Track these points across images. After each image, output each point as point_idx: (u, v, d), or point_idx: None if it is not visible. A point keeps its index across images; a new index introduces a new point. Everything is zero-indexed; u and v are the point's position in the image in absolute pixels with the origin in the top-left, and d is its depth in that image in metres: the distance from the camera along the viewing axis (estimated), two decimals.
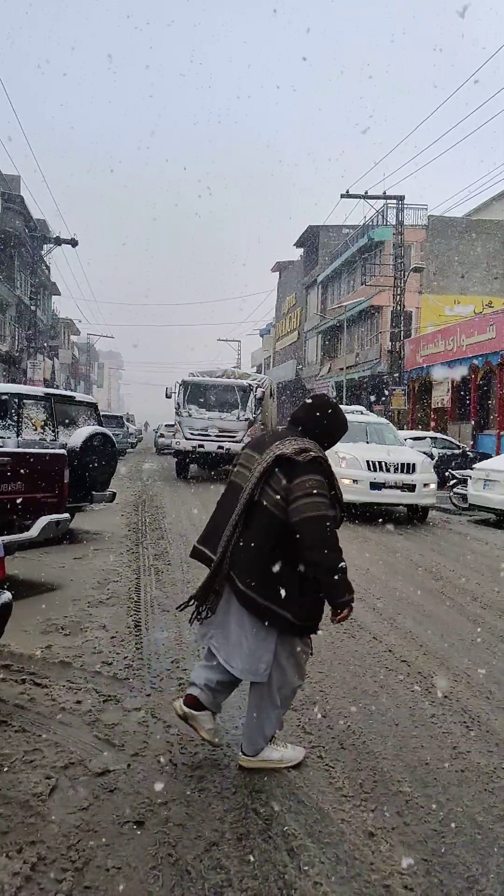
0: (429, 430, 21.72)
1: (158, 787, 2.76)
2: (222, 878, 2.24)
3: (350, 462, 10.55)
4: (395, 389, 24.86)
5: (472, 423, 21.43)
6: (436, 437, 18.07)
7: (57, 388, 34.36)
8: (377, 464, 10.61)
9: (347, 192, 24.46)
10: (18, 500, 5.71)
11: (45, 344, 39.01)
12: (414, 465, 10.81)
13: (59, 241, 31.89)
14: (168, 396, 18.52)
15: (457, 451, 17.32)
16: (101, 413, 10.42)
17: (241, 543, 2.76)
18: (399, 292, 25.13)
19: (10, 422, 7.58)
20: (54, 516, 5.98)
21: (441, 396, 24.06)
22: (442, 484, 12.90)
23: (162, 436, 30.89)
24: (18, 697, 3.55)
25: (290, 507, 2.68)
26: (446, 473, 13.81)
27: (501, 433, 19.46)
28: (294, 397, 42.80)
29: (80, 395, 9.99)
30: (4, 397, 7.66)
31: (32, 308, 32.63)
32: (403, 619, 5.44)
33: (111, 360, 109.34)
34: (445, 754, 3.18)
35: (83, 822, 2.51)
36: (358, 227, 32.24)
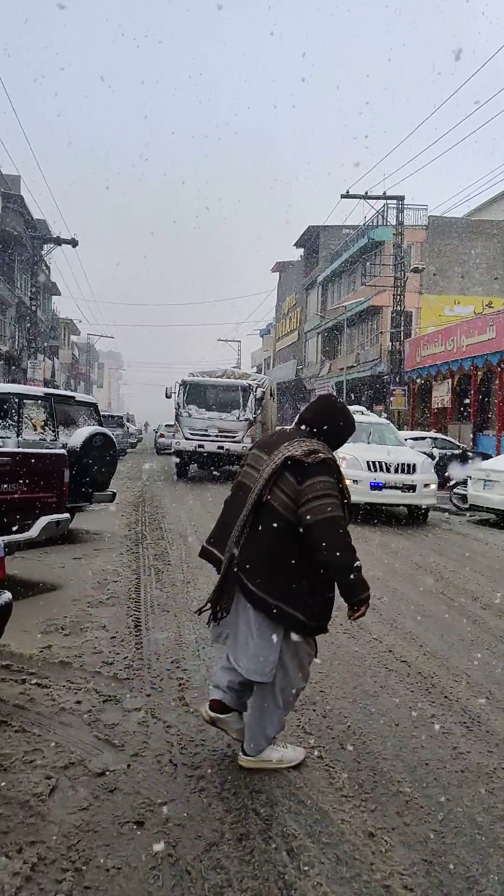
0: (429, 431, 21.73)
1: (158, 787, 2.76)
2: (222, 878, 2.24)
3: (350, 462, 10.55)
4: (395, 390, 24.87)
5: (472, 423, 21.44)
6: (436, 438, 18.07)
7: (57, 388, 34.37)
8: (377, 464, 10.61)
9: (347, 192, 24.45)
10: (18, 500, 5.72)
11: (46, 344, 39.02)
12: (414, 465, 10.80)
13: (59, 241, 31.85)
14: (168, 396, 18.52)
15: (457, 452, 17.32)
16: (102, 413, 10.42)
17: (249, 544, 2.77)
18: (399, 293, 25.13)
19: (10, 422, 7.58)
20: (54, 516, 5.98)
21: (441, 397, 24.06)
22: (442, 484, 12.90)
23: (162, 436, 30.89)
24: (18, 697, 3.55)
25: (302, 510, 2.69)
26: (446, 474, 13.81)
27: (502, 434, 19.46)
28: (294, 397, 42.82)
29: (80, 396, 9.99)
30: (4, 397, 7.66)
31: (33, 308, 32.61)
32: (404, 619, 5.44)
33: (111, 360, 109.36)
34: (445, 754, 3.18)
35: (83, 822, 2.51)
36: (358, 228, 32.26)
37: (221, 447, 16.93)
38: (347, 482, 3.04)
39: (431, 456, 14.41)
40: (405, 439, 13.66)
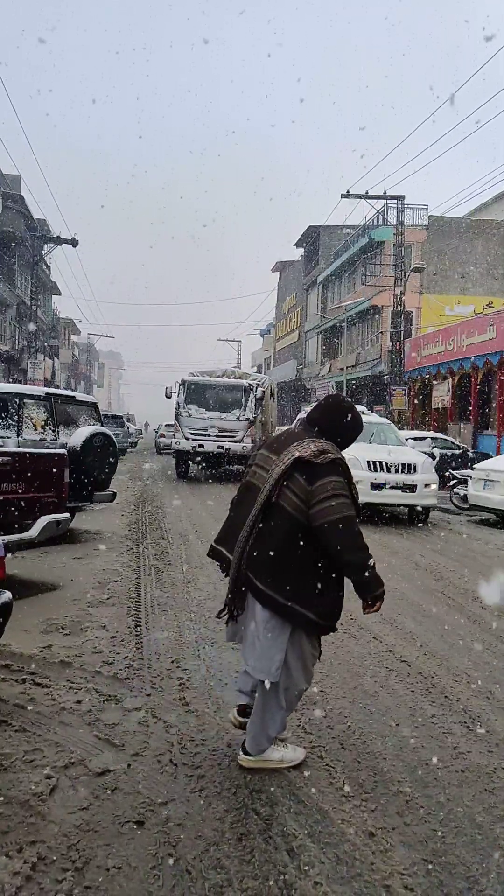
0: (428, 431, 21.73)
1: (158, 786, 2.76)
2: (222, 878, 2.24)
3: (351, 462, 10.42)
4: (395, 390, 24.86)
5: (472, 423, 21.44)
6: (436, 438, 18.07)
7: (57, 387, 34.36)
8: (378, 464, 10.61)
9: (348, 192, 24.44)
10: (19, 500, 5.72)
11: (46, 344, 39.01)
12: (415, 465, 10.80)
13: (59, 241, 31.86)
14: (168, 396, 18.51)
15: (457, 452, 17.32)
16: (102, 413, 10.42)
17: (259, 544, 2.78)
18: (399, 292, 25.13)
19: (10, 422, 7.58)
20: (54, 516, 5.98)
21: (441, 397, 24.05)
22: (442, 484, 12.90)
23: (162, 436, 30.88)
24: (18, 697, 3.55)
25: (314, 510, 2.70)
26: (446, 474, 13.81)
27: (502, 434, 19.46)
28: (294, 398, 42.81)
29: (80, 395, 9.98)
30: (5, 397, 7.66)
31: (33, 308, 32.62)
32: (404, 619, 5.44)
33: (111, 360, 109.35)
34: (446, 754, 3.18)
35: (83, 821, 2.51)
36: (358, 228, 32.24)
37: (221, 447, 16.93)
38: None
39: (432, 456, 14.42)
40: (406, 439, 13.66)
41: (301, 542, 2.75)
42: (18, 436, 7.54)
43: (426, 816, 2.67)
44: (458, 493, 12.90)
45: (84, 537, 8.53)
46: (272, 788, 2.79)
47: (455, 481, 13.15)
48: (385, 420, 13.86)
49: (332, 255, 37.43)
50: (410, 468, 10.74)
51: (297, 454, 2.77)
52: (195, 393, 17.89)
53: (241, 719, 3.06)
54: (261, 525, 2.79)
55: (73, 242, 30.91)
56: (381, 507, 11.54)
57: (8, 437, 7.41)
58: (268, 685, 2.82)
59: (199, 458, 18.10)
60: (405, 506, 11.31)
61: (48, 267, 40.63)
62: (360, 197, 24.66)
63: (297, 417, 14.30)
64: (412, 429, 23.92)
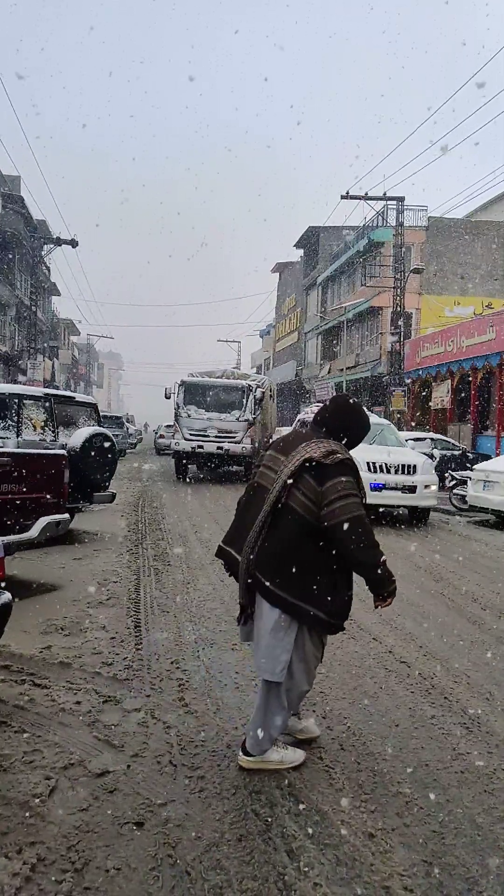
0: (428, 431, 21.73)
1: (158, 787, 2.76)
2: (222, 879, 2.24)
3: None
4: (395, 390, 24.85)
5: (472, 424, 21.44)
6: (435, 439, 18.07)
7: (57, 388, 34.36)
8: (378, 465, 10.60)
9: (348, 193, 24.42)
10: (18, 501, 5.71)
11: (46, 344, 39.01)
12: (414, 466, 10.80)
13: (59, 242, 31.87)
14: (167, 397, 18.49)
15: (457, 453, 17.33)
16: (101, 413, 10.42)
17: (268, 544, 2.79)
18: (399, 293, 25.13)
19: (9, 422, 7.58)
20: (54, 516, 5.98)
21: (441, 397, 24.06)
22: (442, 485, 12.90)
23: (161, 436, 30.90)
24: (18, 698, 3.55)
25: (325, 511, 2.72)
26: (446, 475, 13.81)
27: (501, 435, 19.47)
28: (294, 398, 42.82)
29: (80, 396, 9.98)
30: (4, 398, 7.66)
31: (33, 309, 32.61)
32: (403, 619, 5.44)
33: (111, 360, 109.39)
34: (445, 755, 3.18)
35: (83, 822, 2.51)
36: (358, 229, 32.25)
37: (221, 448, 16.92)
38: None
39: (432, 457, 14.41)
40: (405, 440, 13.66)
41: (310, 543, 2.76)
42: (18, 436, 7.54)
43: (426, 817, 2.67)
44: (457, 494, 12.90)
45: (84, 538, 8.53)
46: (272, 789, 2.79)
47: (455, 482, 13.15)
48: (385, 421, 13.86)
49: (331, 257, 37.44)
50: (410, 469, 10.74)
51: (306, 455, 2.78)
52: (194, 394, 17.89)
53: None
54: (270, 526, 2.80)
55: (73, 243, 30.92)
56: (381, 508, 11.53)
57: (7, 438, 7.41)
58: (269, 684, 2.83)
59: (198, 459, 18.09)
60: (405, 507, 11.31)
61: (48, 268, 40.64)
62: (359, 198, 24.65)
63: (297, 418, 14.30)
64: (412, 430, 23.93)
